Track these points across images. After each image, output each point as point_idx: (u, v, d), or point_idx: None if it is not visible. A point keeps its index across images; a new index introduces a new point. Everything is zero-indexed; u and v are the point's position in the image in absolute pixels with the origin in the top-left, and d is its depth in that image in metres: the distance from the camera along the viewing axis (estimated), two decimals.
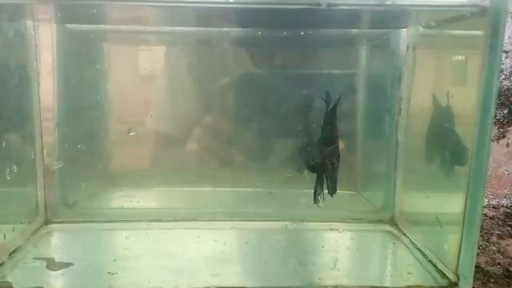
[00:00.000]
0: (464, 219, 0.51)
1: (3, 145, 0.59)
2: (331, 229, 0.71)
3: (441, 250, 0.58)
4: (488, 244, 0.71)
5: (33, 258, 0.60)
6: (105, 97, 0.76)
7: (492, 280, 0.59)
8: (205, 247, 0.65)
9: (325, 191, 0.62)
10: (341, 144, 0.64)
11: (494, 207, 0.91)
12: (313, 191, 0.63)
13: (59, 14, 0.66)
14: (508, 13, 0.49)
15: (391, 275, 0.60)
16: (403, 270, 0.60)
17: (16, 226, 0.64)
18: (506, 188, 0.93)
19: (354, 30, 0.74)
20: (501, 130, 0.91)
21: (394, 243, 0.68)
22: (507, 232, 0.77)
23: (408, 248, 0.66)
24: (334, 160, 0.61)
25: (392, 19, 0.68)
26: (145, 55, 0.77)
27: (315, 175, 0.64)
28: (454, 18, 0.58)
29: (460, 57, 0.62)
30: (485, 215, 0.86)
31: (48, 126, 0.71)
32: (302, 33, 0.72)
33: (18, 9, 0.62)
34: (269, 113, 0.76)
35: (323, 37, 0.74)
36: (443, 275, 0.56)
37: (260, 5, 0.54)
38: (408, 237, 0.68)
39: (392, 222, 0.74)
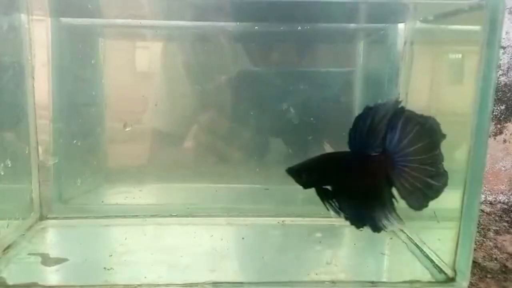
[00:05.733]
0: (461, 214, 0.51)
1: None
2: (328, 225, 0.71)
3: (438, 246, 0.58)
4: (485, 239, 0.71)
5: (28, 254, 0.59)
6: (101, 93, 0.75)
7: (489, 276, 0.59)
8: (201, 242, 0.65)
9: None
10: None
11: (491, 203, 0.91)
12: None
13: (54, 7, 0.65)
14: (506, 8, 0.49)
15: (388, 270, 0.60)
16: (400, 265, 0.60)
17: (10, 221, 0.63)
18: (503, 184, 0.93)
19: (352, 24, 0.74)
20: (498, 126, 0.91)
21: (391, 238, 0.67)
22: (504, 227, 0.77)
23: (405, 243, 0.65)
24: None
25: (389, 13, 0.68)
26: (141, 50, 0.77)
27: None
28: (451, 12, 0.57)
29: (458, 52, 0.62)
30: (482, 211, 0.86)
31: (43, 121, 0.71)
32: (299, 28, 0.71)
33: (11, 1, 0.61)
34: (265, 109, 0.76)
35: (319, 32, 0.74)
36: (440, 270, 0.56)
37: None
38: (405, 232, 0.68)
39: None
